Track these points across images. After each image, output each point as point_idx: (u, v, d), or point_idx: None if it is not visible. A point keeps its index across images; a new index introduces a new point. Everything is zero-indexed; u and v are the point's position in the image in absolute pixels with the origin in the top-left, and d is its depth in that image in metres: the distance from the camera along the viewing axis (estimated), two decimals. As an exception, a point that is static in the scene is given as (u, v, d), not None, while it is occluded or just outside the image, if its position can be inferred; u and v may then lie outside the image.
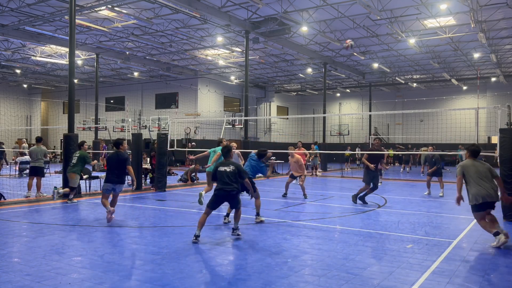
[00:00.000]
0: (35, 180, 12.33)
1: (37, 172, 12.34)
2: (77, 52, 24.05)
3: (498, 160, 9.24)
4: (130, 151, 15.79)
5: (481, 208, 6.63)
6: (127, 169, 8.49)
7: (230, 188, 6.79)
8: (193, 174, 17.85)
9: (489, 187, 6.58)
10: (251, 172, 9.05)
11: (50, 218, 8.84)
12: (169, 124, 22.75)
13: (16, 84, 37.67)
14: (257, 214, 8.51)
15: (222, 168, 6.90)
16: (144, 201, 11.65)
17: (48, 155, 26.54)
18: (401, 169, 26.77)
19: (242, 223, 8.51)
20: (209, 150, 11.35)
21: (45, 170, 20.60)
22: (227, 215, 8.34)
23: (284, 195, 12.73)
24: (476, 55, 25.11)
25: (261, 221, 8.43)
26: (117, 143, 8.78)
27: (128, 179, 16.06)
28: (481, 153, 7.11)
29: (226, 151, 7.26)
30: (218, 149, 11.03)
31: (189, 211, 9.98)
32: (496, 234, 6.50)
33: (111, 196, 8.54)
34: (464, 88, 34.20)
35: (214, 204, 6.89)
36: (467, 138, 29.09)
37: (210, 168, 10.47)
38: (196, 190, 14.79)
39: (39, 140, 12.73)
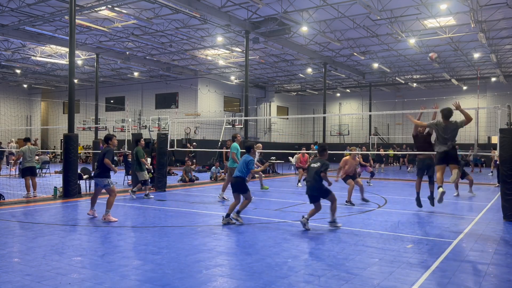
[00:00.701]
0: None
1: (32, 172, 12.32)
2: (77, 52, 24.05)
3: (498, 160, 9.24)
4: (130, 151, 15.81)
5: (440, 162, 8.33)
6: (105, 162, 8.55)
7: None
8: (189, 173, 17.89)
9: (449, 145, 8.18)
10: (240, 171, 8.30)
11: (50, 218, 8.84)
12: (169, 124, 22.75)
13: (16, 84, 37.67)
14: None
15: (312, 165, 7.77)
16: (144, 201, 11.65)
17: (48, 155, 26.58)
18: (408, 168, 26.62)
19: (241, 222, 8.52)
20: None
21: (44, 170, 20.73)
22: (227, 215, 8.28)
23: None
24: (476, 55, 25.11)
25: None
26: (107, 138, 9.00)
27: (128, 179, 16.11)
28: (481, 153, 7.27)
29: (321, 150, 7.98)
30: (235, 146, 11.46)
31: (189, 211, 9.98)
32: (439, 187, 8.10)
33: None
34: (464, 88, 34.20)
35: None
36: (467, 138, 29.11)
37: (231, 164, 11.21)
38: (196, 190, 14.80)
39: (27, 140, 12.78)
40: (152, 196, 12.27)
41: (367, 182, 15.81)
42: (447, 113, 8.27)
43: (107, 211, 8.50)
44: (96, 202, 9.03)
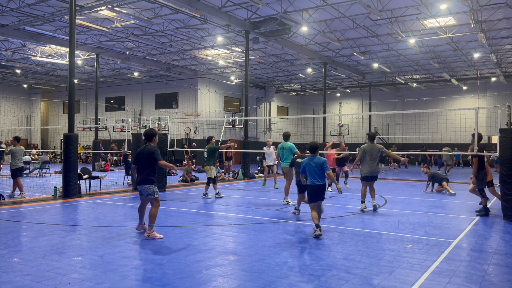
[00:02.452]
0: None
1: (21, 172, 12.28)
2: (77, 52, 24.05)
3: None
4: (130, 151, 15.81)
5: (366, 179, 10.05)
6: (160, 164, 7.11)
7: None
8: (190, 173, 17.91)
9: (375, 165, 9.97)
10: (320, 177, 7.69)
11: (50, 218, 8.84)
12: (169, 124, 22.75)
13: (16, 84, 37.67)
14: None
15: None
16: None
17: (49, 155, 26.59)
18: (422, 169, 26.35)
19: (240, 222, 8.53)
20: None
21: (44, 170, 20.72)
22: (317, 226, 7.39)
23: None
24: (476, 55, 25.10)
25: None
26: (150, 134, 7.29)
27: (128, 179, 16.13)
28: (480, 153, 7.26)
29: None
30: (288, 145, 11.17)
31: (189, 211, 9.98)
32: (362, 202, 10.07)
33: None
34: (464, 88, 34.20)
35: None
36: (467, 138, 29.11)
37: (286, 164, 10.93)
38: (196, 190, 14.80)
39: (18, 140, 12.75)
40: (211, 196, 12.27)
41: (344, 183, 15.63)
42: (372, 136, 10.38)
43: (150, 226, 7.00)
44: (144, 214, 7.45)
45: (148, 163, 7.08)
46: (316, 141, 8.47)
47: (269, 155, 15.95)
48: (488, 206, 11.07)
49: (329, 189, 13.79)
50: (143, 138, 7.39)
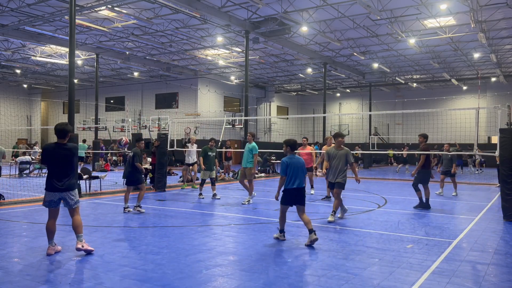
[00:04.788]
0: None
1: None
2: (77, 52, 24.06)
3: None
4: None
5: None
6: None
7: None
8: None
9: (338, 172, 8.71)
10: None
11: (50, 218, 8.83)
12: (169, 124, 22.75)
13: (16, 84, 37.67)
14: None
15: None
16: (144, 201, 11.62)
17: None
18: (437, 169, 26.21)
19: (241, 222, 8.52)
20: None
21: (44, 170, 20.71)
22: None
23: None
24: (476, 55, 25.11)
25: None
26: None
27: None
28: (480, 153, 7.27)
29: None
30: (250, 146, 11.31)
31: (189, 211, 9.98)
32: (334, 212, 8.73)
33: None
34: (464, 88, 34.21)
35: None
36: (467, 138, 29.14)
37: (249, 164, 11.18)
38: (196, 189, 14.79)
39: None
40: (219, 197, 12.10)
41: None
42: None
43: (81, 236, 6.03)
44: None
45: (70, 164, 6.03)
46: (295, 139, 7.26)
47: (190, 154, 15.46)
48: (488, 206, 11.07)
49: (312, 191, 13.32)
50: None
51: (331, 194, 11.64)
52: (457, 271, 5.33)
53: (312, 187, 13.37)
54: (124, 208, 9.63)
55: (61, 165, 5.90)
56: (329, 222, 8.39)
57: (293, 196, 6.64)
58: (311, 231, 6.48)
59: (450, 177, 13.35)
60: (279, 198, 6.76)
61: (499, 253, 6.23)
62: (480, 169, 26.58)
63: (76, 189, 6.08)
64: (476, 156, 27.00)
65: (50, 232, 5.92)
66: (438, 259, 5.83)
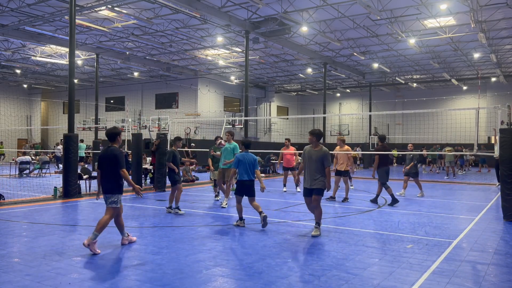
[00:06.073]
0: None
1: None
2: (77, 52, 24.05)
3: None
4: (130, 151, 15.82)
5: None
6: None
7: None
8: (189, 172, 17.86)
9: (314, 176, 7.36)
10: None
11: (50, 218, 8.84)
12: (169, 124, 22.75)
13: (16, 84, 37.67)
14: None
15: None
16: (144, 201, 11.65)
17: (48, 155, 26.58)
18: (431, 170, 26.20)
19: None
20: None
21: (44, 170, 20.71)
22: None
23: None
24: (476, 55, 25.10)
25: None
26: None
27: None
28: (480, 153, 7.27)
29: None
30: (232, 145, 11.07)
31: (189, 211, 9.98)
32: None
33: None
34: (464, 88, 34.20)
35: None
36: (467, 138, 29.14)
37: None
38: (196, 190, 14.80)
39: None
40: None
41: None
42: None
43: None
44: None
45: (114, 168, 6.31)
46: (250, 138, 8.48)
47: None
48: (488, 206, 11.07)
49: (297, 189, 13.49)
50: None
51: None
52: (457, 271, 5.33)
53: (297, 186, 13.13)
54: (166, 208, 9.81)
55: (106, 166, 6.32)
56: (314, 236, 7.10)
57: (244, 187, 7.94)
58: (260, 213, 7.72)
59: (413, 178, 13.19)
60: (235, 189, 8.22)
61: (499, 253, 6.23)
62: (464, 170, 26.21)
63: (118, 192, 6.36)
64: (468, 156, 26.99)
65: (118, 225, 6.60)
66: (438, 259, 5.83)
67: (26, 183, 16.40)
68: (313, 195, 7.27)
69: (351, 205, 11.17)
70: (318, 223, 7.32)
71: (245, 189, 7.95)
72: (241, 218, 8.10)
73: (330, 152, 7.69)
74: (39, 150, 32.10)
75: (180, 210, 9.51)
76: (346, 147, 12.28)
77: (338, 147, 12.22)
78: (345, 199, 11.85)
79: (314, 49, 24.52)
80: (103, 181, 6.31)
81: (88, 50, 24.91)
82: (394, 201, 11.05)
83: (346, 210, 10.30)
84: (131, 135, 15.62)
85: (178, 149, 10.39)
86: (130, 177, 6.66)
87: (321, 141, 7.73)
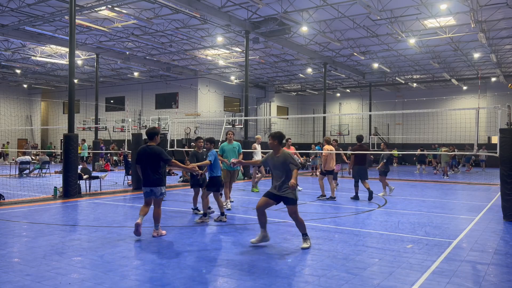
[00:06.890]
0: None
1: None
2: (77, 52, 24.06)
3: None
4: (130, 151, 15.81)
5: None
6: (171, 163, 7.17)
7: None
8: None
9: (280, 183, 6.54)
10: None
11: (50, 218, 8.84)
12: (169, 124, 22.75)
13: (16, 84, 37.67)
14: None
15: None
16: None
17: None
18: (437, 171, 25.99)
19: (241, 222, 8.52)
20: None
21: (44, 170, 20.70)
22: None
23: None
24: (476, 55, 25.10)
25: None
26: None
27: (128, 179, 16.11)
28: (480, 154, 7.29)
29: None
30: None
31: (189, 211, 9.98)
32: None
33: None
34: (464, 88, 34.20)
35: None
36: (467, 138, 29.14)
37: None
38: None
39: None
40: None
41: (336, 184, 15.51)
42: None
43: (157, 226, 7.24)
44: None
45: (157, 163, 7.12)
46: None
47: (256, 154, 14.88)
48: (488, 206, 11.08)
49: (299, 188, 13.52)
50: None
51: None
52: (457, 271, 5.33)
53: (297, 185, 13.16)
54: (193, 209, 9.88)
55: (149, 163, 6.99)
56: (304, 249, 6.35)
57: (214, 182, 8.52)
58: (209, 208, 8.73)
59: (380, 175, 13.34)
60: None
61: (499, 253, 6.23)
62: (453, 171, 26.04)
63: (163, 185, 7.17)
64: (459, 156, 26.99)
65: (153, 216, 7.16)
66: (438, 259, 5.83)
67: (26, 183, 16.41)
68: (287, 207, 6.52)
69: (352, 205, 11.17)
70: (304, 234, 6.51)
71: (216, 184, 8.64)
72: (205, 214, 8.66)
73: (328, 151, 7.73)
74: (51, 150, 32.29)
75: (199, 211, 9.49)
76: (329, 147, 12.49)
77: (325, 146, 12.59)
78: (325, 197, 12.29)
79: (314, 49, 24.53)
80: (148, 177, 7.04)
81: (88, 50, 24.91)
82: (356, 197, 12.02)
83: (346, 210, 10.31)
84: (131, 135, 15.62)
85: (177, 149, 10.36)
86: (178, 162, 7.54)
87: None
